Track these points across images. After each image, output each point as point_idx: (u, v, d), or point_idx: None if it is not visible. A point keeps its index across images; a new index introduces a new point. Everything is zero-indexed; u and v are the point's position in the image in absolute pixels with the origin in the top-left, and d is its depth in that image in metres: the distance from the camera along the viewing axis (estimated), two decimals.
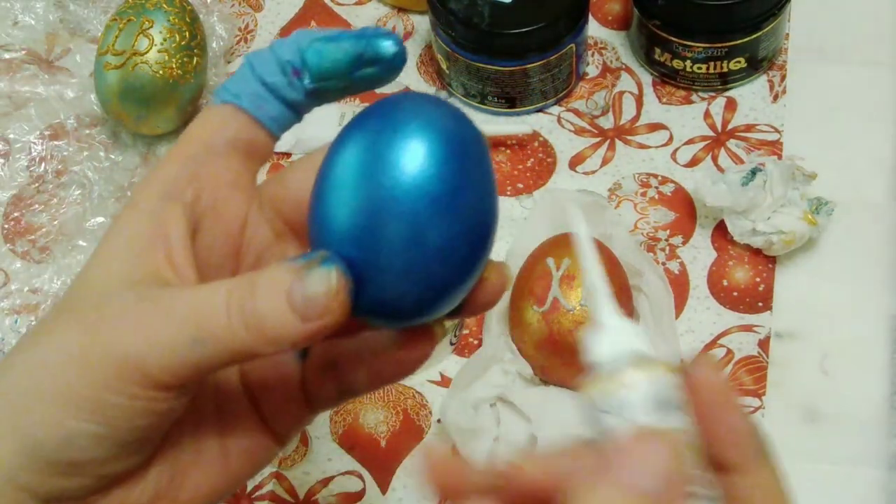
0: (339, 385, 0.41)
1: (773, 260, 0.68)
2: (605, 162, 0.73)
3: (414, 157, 0.34)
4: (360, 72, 0.38)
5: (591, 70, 0.77)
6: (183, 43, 0.73)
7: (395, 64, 0.38)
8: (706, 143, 0.73)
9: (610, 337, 0.33)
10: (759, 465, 0.34)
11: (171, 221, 0.37)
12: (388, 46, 0.38)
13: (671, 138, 0.74)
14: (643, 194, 0.72)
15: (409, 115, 0.35)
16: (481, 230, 0.36)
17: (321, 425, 0.65)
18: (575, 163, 0.74)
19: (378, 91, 0.41)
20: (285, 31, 0.81)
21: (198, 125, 0.40)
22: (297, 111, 0.40)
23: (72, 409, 0.35)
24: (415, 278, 0.35)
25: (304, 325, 0.34)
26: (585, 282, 0.34)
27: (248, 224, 0.40)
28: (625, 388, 0.31)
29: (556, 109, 0.76)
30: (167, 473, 0.38)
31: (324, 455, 0.65)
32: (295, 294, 0.34)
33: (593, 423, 0.32)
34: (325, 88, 0.39)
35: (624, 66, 0.77)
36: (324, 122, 0.72)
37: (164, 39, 0.72)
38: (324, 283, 0.34)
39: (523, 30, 0.71)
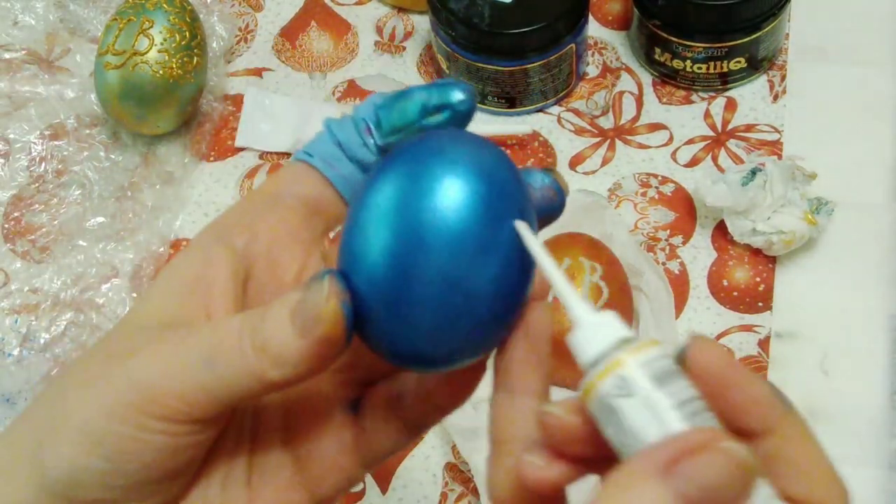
0: (404, 421, 0.39)
1: (773, 260, 0.68)
2: (605, 162, 0.73)
3: (450, 194, 0.33)
4: (427, 120, 0.38)
5: (591, 70, 0.77)
6: (183, 43, 0.73)
7: (460, 110, 0.38)
8: (706, 143, 0.73)
9: (593, 332, 0.33)
10: (786, 417, 0.34)
11: (216, 265, 0.37)
12: (456, 94, 0.38)
13: (671, 138, 0.74)
14: (643, 194, 0.72)
15: (446, 149, 0.35)
16: (518, 276, 0.35)
17: None
18: (575, 163, 0.74)
19: None
20: (285, 31, 0.81)
21: (269, 180, 0.40)
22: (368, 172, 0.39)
23: (83, 443, 0.34)
24: (442, 317, 0.34)
25: (302, 340, 0.34)
26: (554, 289, 0.34)
27: (304, 276, 0.39)
28: (624, 369, 0.31)
29: (556, 109, 0.76)
30: None
31: None
32: (296, 311, 0.34)
33: (609, 418, 0.31)
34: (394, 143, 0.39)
35: (624, 66, 0.77)
36: None
37: (164, 39, 0.72)
38: (316, 292, 0.34)
39: (523, 30, 0.71)
